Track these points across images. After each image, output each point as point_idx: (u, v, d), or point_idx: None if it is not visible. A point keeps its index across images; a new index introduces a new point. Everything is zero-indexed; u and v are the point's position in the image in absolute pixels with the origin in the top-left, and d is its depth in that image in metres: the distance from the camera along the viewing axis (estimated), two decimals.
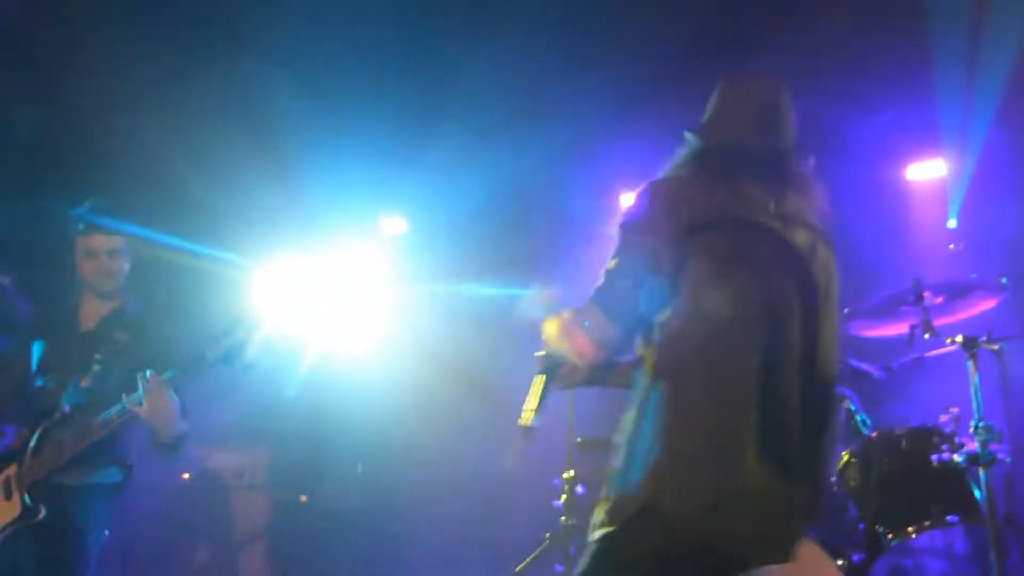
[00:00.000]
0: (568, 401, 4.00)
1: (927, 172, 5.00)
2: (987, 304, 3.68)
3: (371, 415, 5.38)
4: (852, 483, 3.58)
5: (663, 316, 1.99)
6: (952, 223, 4.85)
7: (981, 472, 3.23)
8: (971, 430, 3.27)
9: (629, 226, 2.08)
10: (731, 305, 1.95)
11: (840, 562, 3.34)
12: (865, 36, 4.48)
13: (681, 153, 2.20)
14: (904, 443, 3.48)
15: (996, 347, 3.33)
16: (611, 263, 2.08)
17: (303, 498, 5.46)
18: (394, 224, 5.87)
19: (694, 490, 1.88)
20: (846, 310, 3.73)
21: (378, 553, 5.33)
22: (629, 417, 2.03)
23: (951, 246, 4.42)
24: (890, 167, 5.08)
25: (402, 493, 5.53)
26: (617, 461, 2.01)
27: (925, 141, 4.90)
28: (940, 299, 3.64)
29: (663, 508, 1.88)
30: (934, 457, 3.36)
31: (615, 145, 5.00)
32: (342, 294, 5.39)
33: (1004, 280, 3.50)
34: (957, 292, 3.62)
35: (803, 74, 4.65)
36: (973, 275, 3.65)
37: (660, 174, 2.17)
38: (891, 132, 4.93)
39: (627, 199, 5.47)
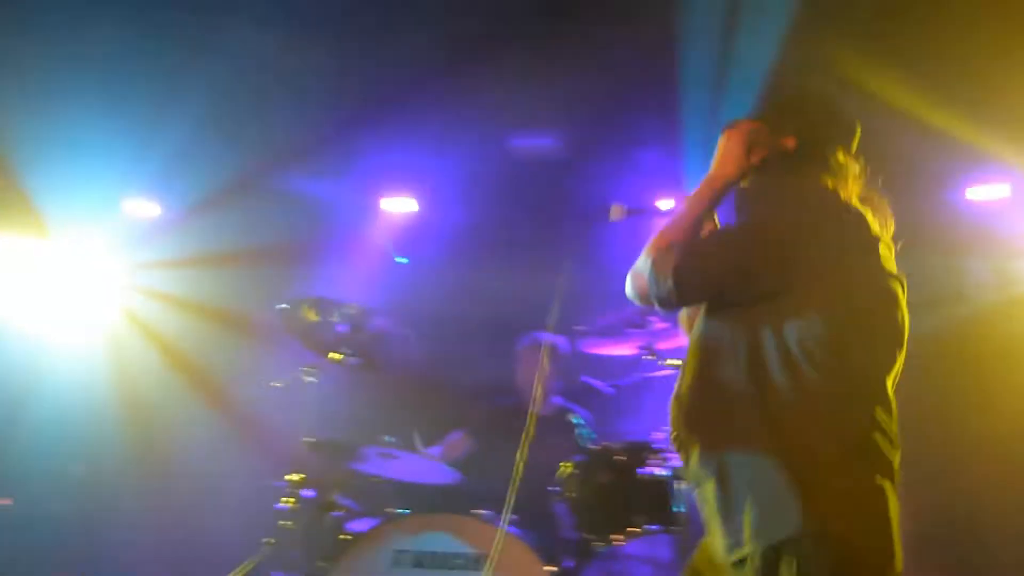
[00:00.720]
0: (299, 400, 3.87)
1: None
2: None
3: (92, 411, 4.96)
4: (571, 493, 3.73)
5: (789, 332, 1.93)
6: None
7: (682, 485, 3.47)
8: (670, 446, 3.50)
9: (774, 238, 1.97)
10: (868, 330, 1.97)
11: (551, 568, 3.44)
12: (620, 83, 4.73)
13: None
14: (619, 457, 3.67)
15: None
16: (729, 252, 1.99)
17: (6, 501, 4.94)
18: (142, 207, 5.48)
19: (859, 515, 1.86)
20: (578, 328, 3.90)
21: (90, 560, 4.90)
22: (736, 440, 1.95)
23: None
24: (639, 201, 5.41)
25: (122, 495, 5.13)
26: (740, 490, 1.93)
27: (669, 182, 5.26)
28: (665, 324, 3.87)
29: (834, 533, 1.82)
30: (643, 471, 3.57)
31: (376, 139, 4.94)
32: (66, 280, 4.99)
33: None
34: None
35: (564, 106, 4.85)
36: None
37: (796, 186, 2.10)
38: (639, 170, 5.27)
39: (389, 202, 5.56)
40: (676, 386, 2.12)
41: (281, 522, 3.66)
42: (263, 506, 3.81)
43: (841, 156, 2.13)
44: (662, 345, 3.87)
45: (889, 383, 2.01)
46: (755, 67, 4.41)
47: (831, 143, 2.14)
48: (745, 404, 1.95)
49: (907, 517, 1.98)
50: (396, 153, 5.11)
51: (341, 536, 3.70)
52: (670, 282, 1.98)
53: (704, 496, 2.03)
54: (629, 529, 3.52)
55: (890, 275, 2.04)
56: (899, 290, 2.05)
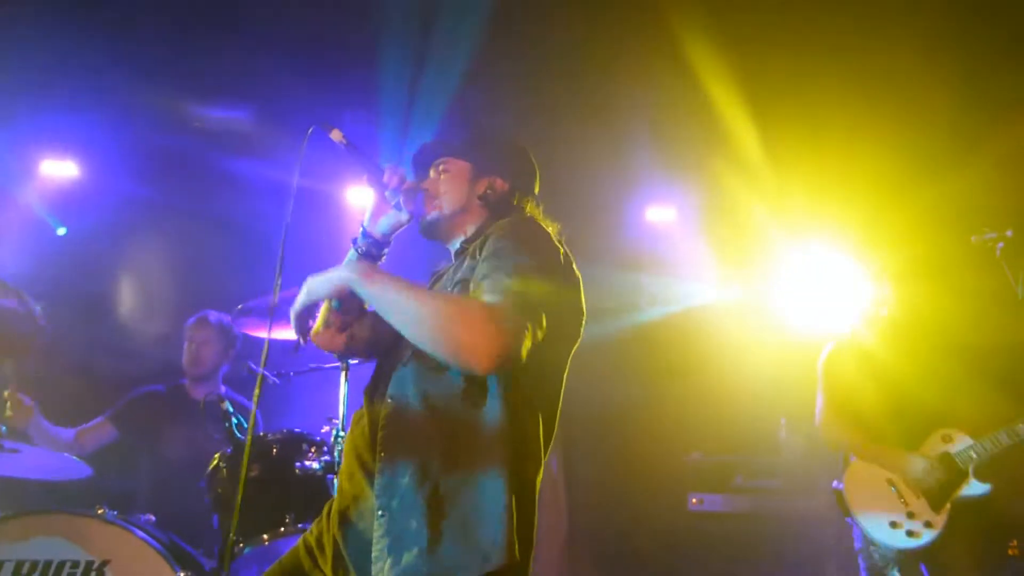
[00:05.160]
0: None
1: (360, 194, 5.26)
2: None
3: None
4: (218, 490, 3.41)
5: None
6: None
7: (336, 480, 3.28)
8: (332, 439, 3.32)
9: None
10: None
11: (183, 573, 3.09)
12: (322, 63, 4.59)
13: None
14: (275, 449, 3.41)
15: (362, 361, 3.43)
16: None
17: None
18: None
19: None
20: (239, 307, 3.59)
21: None
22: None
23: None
24: (332, 183, 5.28)
25: None
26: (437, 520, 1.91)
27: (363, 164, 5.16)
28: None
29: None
30: (297, 464, 3.34)
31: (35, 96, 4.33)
32: None
33: None
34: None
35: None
36: None
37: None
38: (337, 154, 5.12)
39: (50, 165, 4.90)
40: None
41: None
42: None
43: (534, 199, 2.35)
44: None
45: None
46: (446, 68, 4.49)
47: (530, 188, 2.37)
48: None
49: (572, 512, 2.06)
50: (58, 113, 4.55)
51: None
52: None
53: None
54: (279, 528, 3.27)
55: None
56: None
